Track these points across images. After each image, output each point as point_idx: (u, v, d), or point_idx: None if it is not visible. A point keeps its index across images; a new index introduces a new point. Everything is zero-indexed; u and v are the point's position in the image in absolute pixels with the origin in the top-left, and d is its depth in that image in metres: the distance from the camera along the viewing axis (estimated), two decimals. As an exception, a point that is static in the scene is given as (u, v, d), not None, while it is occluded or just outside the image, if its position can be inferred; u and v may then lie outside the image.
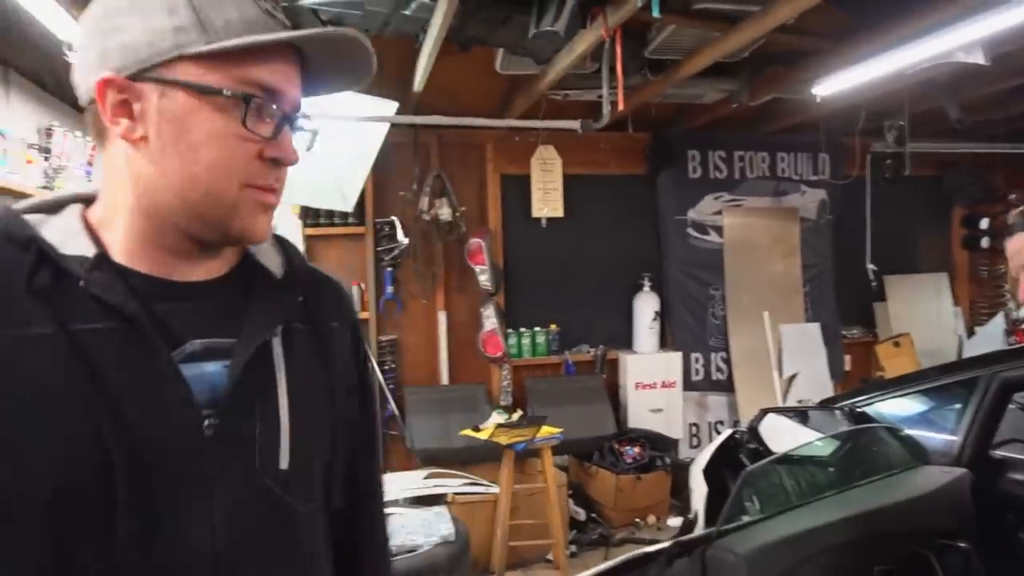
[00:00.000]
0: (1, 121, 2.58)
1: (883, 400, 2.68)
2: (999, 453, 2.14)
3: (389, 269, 4.51)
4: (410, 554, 2.92)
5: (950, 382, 2.40)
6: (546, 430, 3.53)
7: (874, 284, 5.36)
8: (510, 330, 4.69)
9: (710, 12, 2.83)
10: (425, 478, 3.78)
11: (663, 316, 4.92)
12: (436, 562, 2.87)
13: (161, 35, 0.64)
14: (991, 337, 5.07)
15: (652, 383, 4.76)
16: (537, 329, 4.78)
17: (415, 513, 3.31)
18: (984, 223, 5.62)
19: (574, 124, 3.51)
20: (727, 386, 5.00)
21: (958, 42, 2.78)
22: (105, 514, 0.61)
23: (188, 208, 0.67)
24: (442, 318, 4.62)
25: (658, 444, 4.48)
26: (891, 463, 2.14)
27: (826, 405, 2.87)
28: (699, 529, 2.44)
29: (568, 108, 4.03)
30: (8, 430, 0.60)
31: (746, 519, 1.69)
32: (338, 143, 3.41)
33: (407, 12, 2.66)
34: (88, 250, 0.66)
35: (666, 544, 1.46)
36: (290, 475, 0.70)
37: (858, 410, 2.59)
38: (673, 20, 2.87)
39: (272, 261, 0.77)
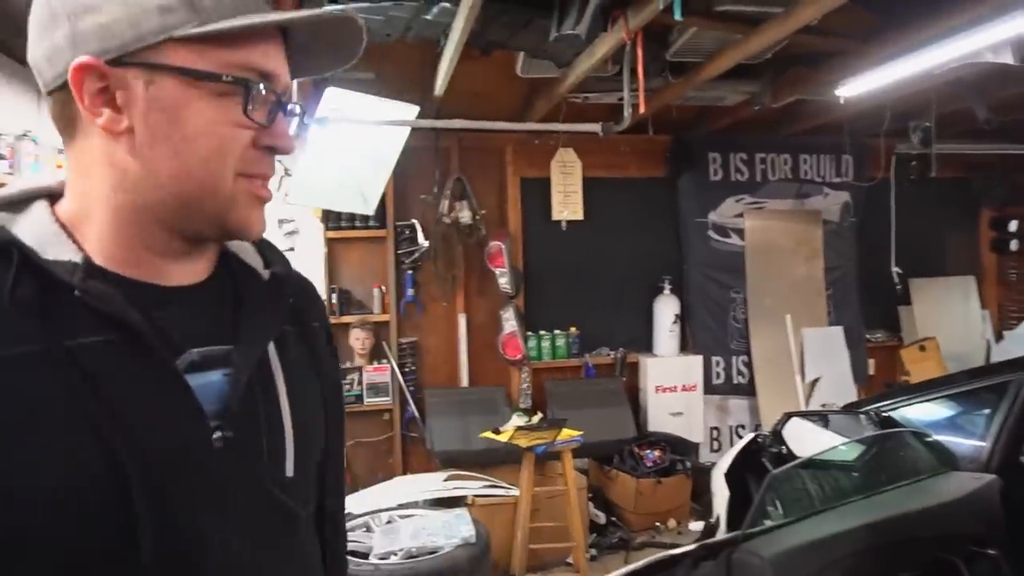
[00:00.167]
0: (33, 129, 2.65)
1: (909, 405, 2.65)
2: (1030, 459, 2.10)
3: (409, 272, 4.54)
4: (431, 555, 2.93)
5: (979, 387, 2.36)
6: (566, 433, 3.53)
7: (899, 287, 5.29)
8: (530, 333, 4.69)
9: (732, 14, 2.81)
10: (445, 480, 3.80)
11: (683, 319, 4.89)
12: (457, 564, 2.88)
13: (146, 15, 0.58)
14: (1021, 341, 4.98)
15: (672, 386, 4.74)
16: (557, 332, 4.78)
17: (436, 515, 3.33)
18: (1013, 225, 5.52)
19: (595, 127, 3.51)
20: (748, 390, 4.96)
21: (987, 42, 2.73)
22: (126, 538, 0.57)
23: (181, 204, 0.62)
24: (462, 320, 4.64)
25: (678, 448, 4.45)
26: (918, 468, 2.12)
27: (851, 409, 2.84)
28: (721, 533, 2.43)
29: (588, 111, 4.03)
30: (10, 463, 0.54)
31: (768, 523, 1.68)
32: (359, 147, 3.45)
33: (428, 17, 2.68)
34: (74, 255, 0.60)
35: (692, 547, 1.45)
36: (294, 481, 0.68)
37: (884, 415, 2.56)
38: (694, 22, 2.85)
39: (255, 261, 0.73)
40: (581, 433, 3.61)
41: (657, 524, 4.21)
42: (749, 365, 4.96)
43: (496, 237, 4.54)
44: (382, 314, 4.47)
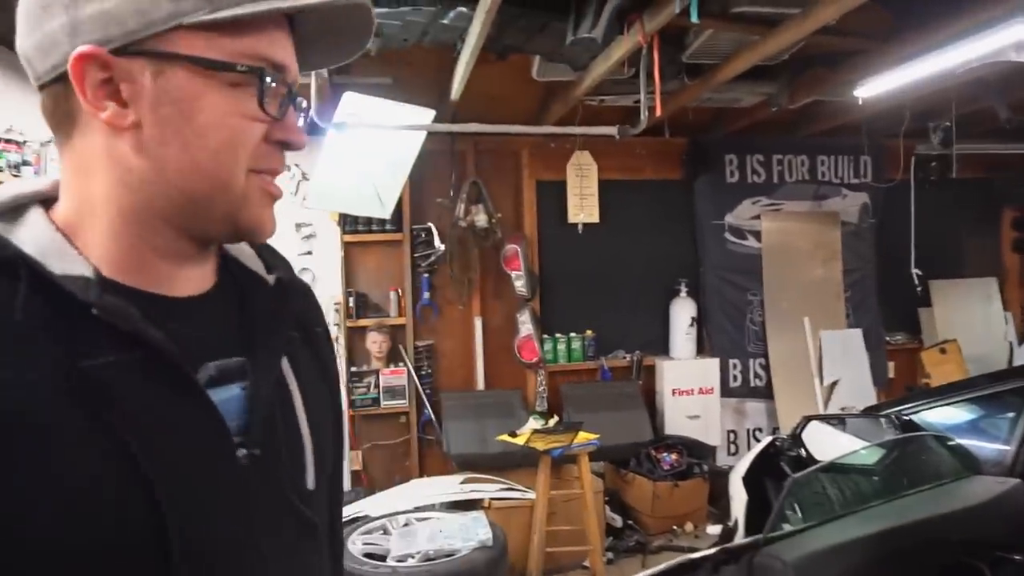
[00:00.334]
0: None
1: (930, 408, 2.62)
2: (1056, 464, 2.07)
3: (426, 275, 4.56)
4: (448, 558, 2.94)
5: (1002, 390, 2.33)
6: (583, 436, 3.53)
7: (919, 289, 5.23)
8: (546, 336, 4.69)
9: (749, 16, 2.80)
10: (462, 483, 3.81)
11: (700, 322, 4.87)
12: (475, 567, 2.88)
13: (153, 1, 0.54)
14: (1044, 344, 4.91)
15: (689, 389, 4.71)
16: (573, 335, 4.77)
17: (453, 518, 3.33)
18: (1035, 226, 5.45)
19: (612, 130, 3.51)
20: (766, 393, 4.93)
21: (1010, 40, 2.70)
22: (158, 561, 0.54)
23: (190, 202, 0.59)
24: (478, 324, 4.65)
25: (695, 451, 4.43)
26: (940, 473, 2.09)
27: (871, 413, 2.82)
28: (739, 537, 2.41)
29: (604, 114, 4.03)
30: (36, 493, 0.50)
31: (789, 527, 1.67)
32: (376, 151, 3.47)
33: (445, 21, 2.69)
34: (84, 268, 0.55)
35: (712, 551, 1.45)
36: (314, 493, 0.67)
37: (905, 418, 2.54)
38: (711, 24, 2.84)
39: (257, 265, 0.70)
40: (597, 436, 3.61)
41: (674, 528, 4.19)
42: (766, 368, 4.93)
43: (512, 240, 4.55)
44: (398, 317, 4.49)
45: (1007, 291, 5.57)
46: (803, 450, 2.63)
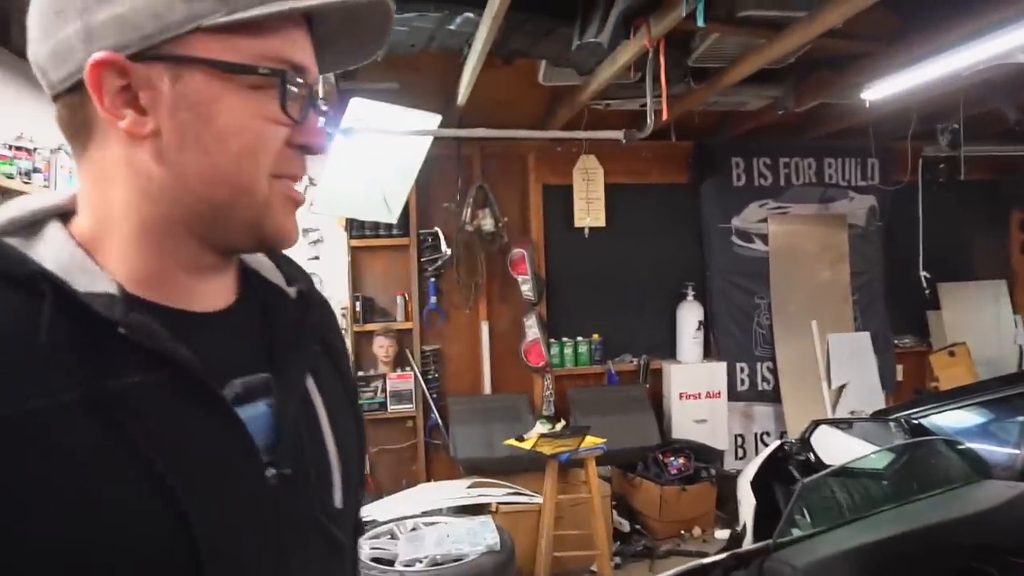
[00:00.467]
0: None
1: (940, 412, 2.61)
2: (1067, 468, 2.06)
3: (432, 279, 4.57)
4: (456, 563, 2.94)
5: (1013, 393, 2.32)
6: (590, 440, 3.52)
7: (927, 292, 5.20)
8: (552, 340, 4.69)
9: (755, 19, 2.80)
10: (469, 487, 3.81)
11: (707, 325, 4.86)
12: (483, 571, 2.88)
13: (169, 4, 0.53)
14: (1054, 347, 4.87)
15: (696, 393, 4.70)
16: (579, 339, 4.77)
17: (460, 522, 3.33)
18: (1045, 228, 5.42)
19: (618, 134, 3.51)
20: (773, 396, 4.91)
21: (1017, 42, 2.69)
22: None
23: (213, 210, 0.57)
24: (485, 328, 4.65)
25: (703, 455, 4.41)
26: (950, 477, 2.08)
27: (880, 417, 2.80)
28: (747, 542, 2.40)
29: (610, 118, 4.03)
30: (68, 520, 0.49)
31: (798, 532, 1.66)
32: (383, 156, 3.49)
33: (452, 27, 2.71)
34: (108, 285, 0.54)
35: (722, 556, 1.45)
36: (342, 512, 0.65)
37: (914, 422, 2.52)
38: (717, 29, 2.85)
39: (277, 278, 0.68)
40: (604, 440, 3.60)
41: (682, 532, 4.18)
42: (774, 371, 4.91)
43: (518, 244, 4.56)
44: (405, 322, 4.50)
45: (1016, 294, 5.53)
46: (811, 454, 2.62)
